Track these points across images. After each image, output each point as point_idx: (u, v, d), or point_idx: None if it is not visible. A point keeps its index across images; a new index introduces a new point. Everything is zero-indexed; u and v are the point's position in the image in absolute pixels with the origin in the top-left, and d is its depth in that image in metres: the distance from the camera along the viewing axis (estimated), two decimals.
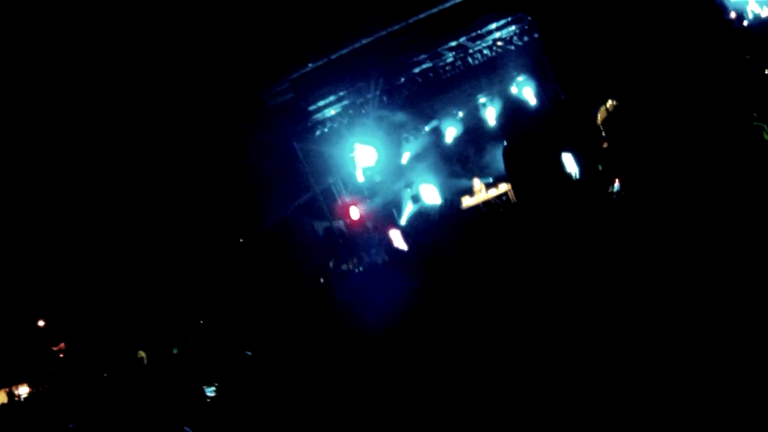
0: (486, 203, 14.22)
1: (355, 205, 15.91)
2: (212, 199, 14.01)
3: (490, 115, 15.66)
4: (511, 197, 14.12)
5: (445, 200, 15.69)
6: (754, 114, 6.93)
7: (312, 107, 14.99)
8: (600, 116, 10.98)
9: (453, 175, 15.85)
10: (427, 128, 15.98)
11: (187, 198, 13.73)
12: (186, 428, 5.64)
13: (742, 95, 7.31)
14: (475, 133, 15.76)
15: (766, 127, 6.87)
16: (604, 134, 10.80)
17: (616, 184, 9.58)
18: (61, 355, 12.86)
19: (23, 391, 12.02)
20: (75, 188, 12.73)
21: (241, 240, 14.49)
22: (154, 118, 12.71)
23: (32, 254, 12.89)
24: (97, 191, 12.93)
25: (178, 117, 12.89)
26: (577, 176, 10.98)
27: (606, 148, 10.69)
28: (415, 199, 16.18)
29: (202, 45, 11.81)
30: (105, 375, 10.26)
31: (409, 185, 16.27)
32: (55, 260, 13.09)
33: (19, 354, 12.78)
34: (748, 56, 8.01)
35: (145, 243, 13.55)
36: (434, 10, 13.33)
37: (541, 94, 14.99)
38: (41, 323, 13.38)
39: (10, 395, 11.93)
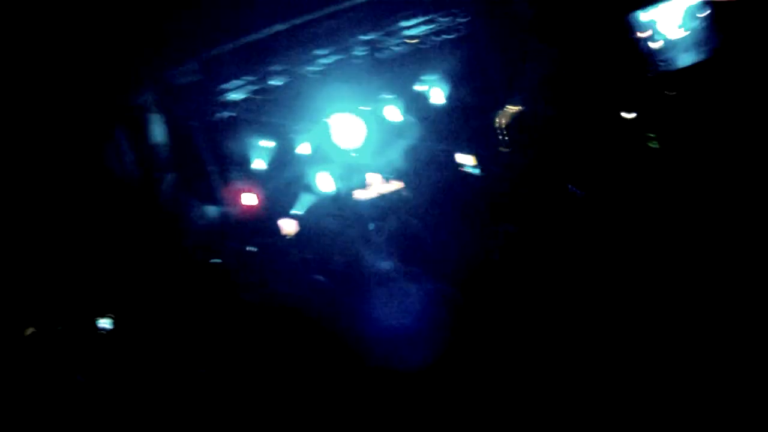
0: (382, 197, 14.60)
1: (249, 191, 15.82)
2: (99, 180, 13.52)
3: (391, 112, 15.98)
4: (405, 194, 14.57)
5: (338, 191, 15.91)
6: (647, 130, 7.74)
7: (217, 89, 14.81)
8: (500, 120, 11.60)
9: (349, 168, 16.08)
10: (327, 120, 16.09)
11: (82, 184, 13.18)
12: (78, 377, 5.54)
13: (636, 108, 8.07)
14: (374, 129, 16.01)
15: (653, 137, 7.71)
16: (503, 138, 11.43)
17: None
18: None
19: None
20: None
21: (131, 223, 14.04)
22: None
23: None
24: None
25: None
26: (479, 175, 11.61)
27: (504, 151, 11.31)
28: (309, 188, 16.28)
29: None
30: None
31: (303, 175, 16.35)
32: None
33: None
34: (649, 74, 8.86)
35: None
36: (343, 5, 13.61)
37: (449, 94, 15.51)
38: None
39: None
